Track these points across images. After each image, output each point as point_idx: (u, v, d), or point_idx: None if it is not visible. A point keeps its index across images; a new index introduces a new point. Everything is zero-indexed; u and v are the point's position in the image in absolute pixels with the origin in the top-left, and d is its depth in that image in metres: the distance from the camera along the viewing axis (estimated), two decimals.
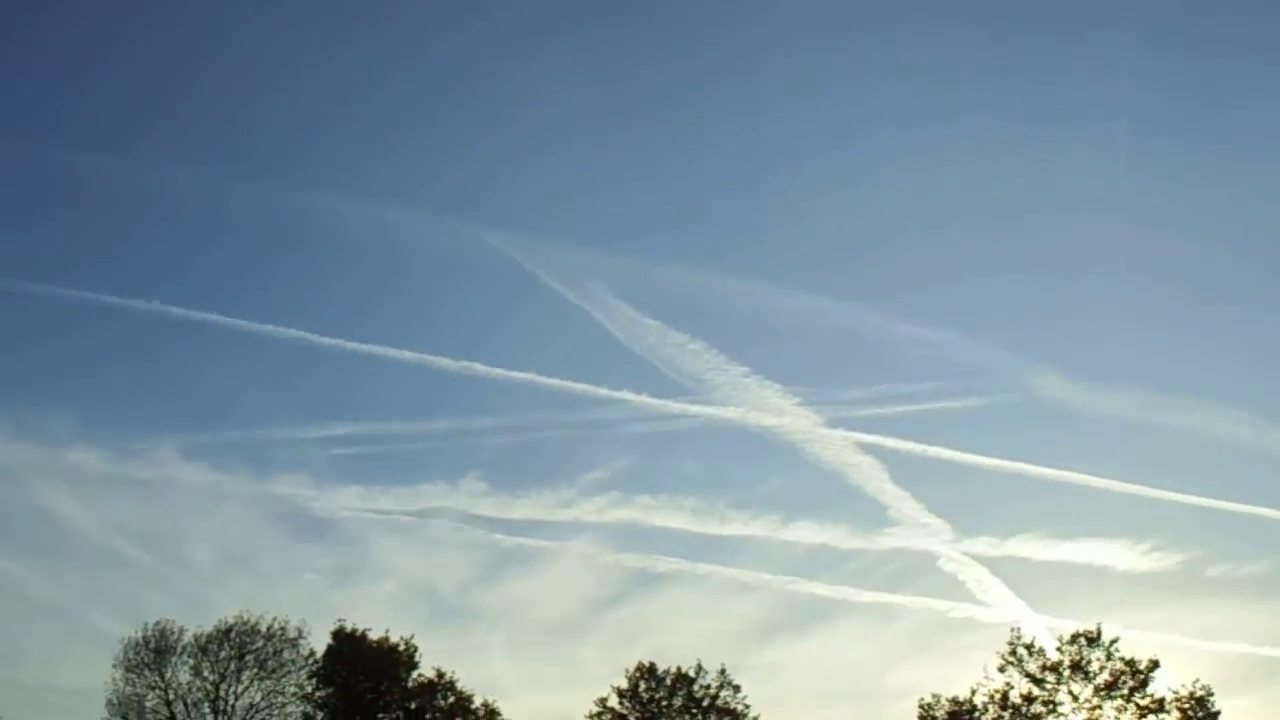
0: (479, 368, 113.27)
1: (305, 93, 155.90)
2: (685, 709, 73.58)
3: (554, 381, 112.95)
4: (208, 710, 74.45)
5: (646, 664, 74.48)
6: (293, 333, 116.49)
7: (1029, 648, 71.11)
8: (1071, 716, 70.04)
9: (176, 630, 75.93)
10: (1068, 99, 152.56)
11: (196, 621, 78.12)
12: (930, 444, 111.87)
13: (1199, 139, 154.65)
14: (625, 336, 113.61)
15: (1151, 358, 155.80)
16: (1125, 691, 69.92)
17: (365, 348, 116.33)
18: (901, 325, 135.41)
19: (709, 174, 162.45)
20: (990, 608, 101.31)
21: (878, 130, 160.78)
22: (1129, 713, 69.83)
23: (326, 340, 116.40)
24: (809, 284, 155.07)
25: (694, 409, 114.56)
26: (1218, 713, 69.89)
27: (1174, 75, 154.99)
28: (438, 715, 75.01)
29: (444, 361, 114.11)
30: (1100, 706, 69.95)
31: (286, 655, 75.65)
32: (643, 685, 73.93)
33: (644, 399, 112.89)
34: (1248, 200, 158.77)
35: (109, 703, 74.53)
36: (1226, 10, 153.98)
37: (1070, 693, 70.23)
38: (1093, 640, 70.79)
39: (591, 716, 73.89)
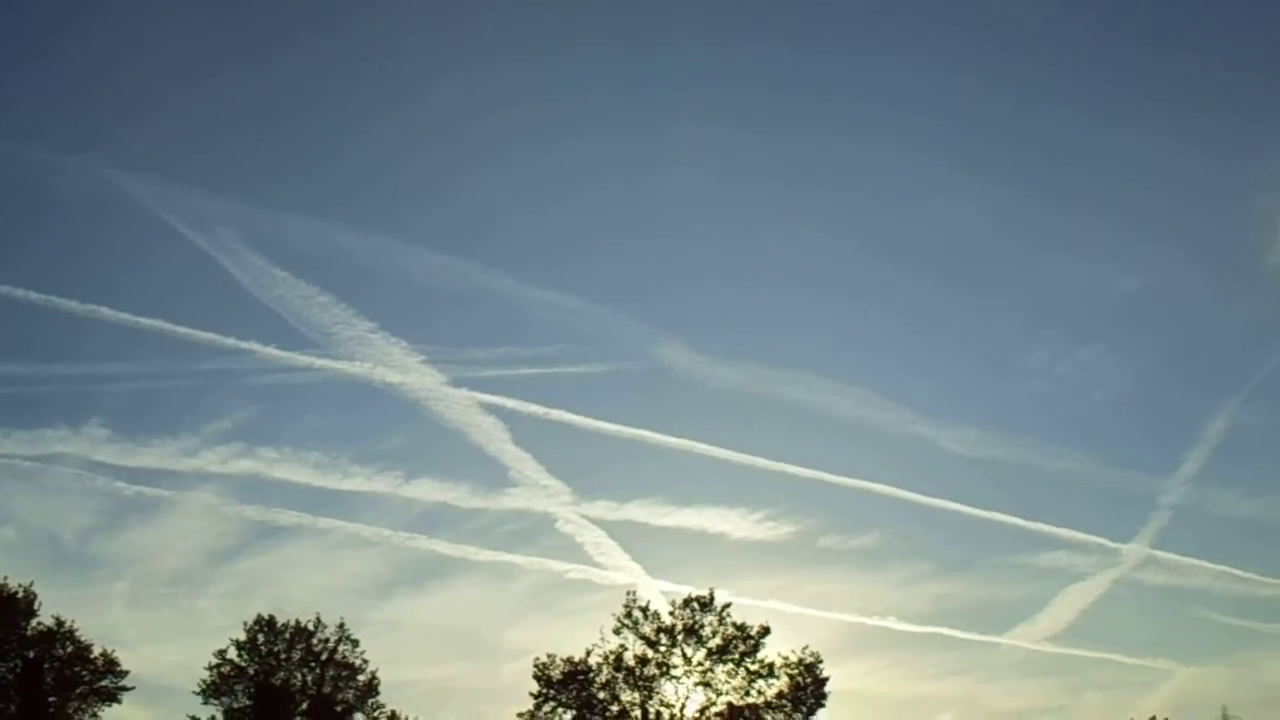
0: (105, 312, 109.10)
1: None
2: (304, 662, 72.21)
3: (181, 329, 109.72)
4: None
5: (266, 617, 72.74)
6: None
7: (644, 610, 70.91)
8: (684, 679, 70.06)
9: None
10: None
11: None
12: (553, 407, 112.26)
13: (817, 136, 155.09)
14: (254, 286, 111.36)
15: (774, 334, 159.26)
16: (736, 656, 70.23)
17: None
18: (530, 289, 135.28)
19: (350, 129, 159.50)
20: (607, 570, 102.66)
21: (508, 105, 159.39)
22: (740, 677, 70.19)
23: None
24: (442, 245, 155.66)
25: (320, 362, 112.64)
26: (826, 679, 70.60)
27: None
28: (56, 665, 72.54)
29: (69, 304, 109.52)
30: (712, 670, 70.21)
31: None
32: (261, 638, 72.15)
33: (270, 350, 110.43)
34: (868, 194, 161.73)
35: None
36: None
37: (684, 655, 70.27)
38: (705, 605, 70.64)
39: (210, 669, 72.05)
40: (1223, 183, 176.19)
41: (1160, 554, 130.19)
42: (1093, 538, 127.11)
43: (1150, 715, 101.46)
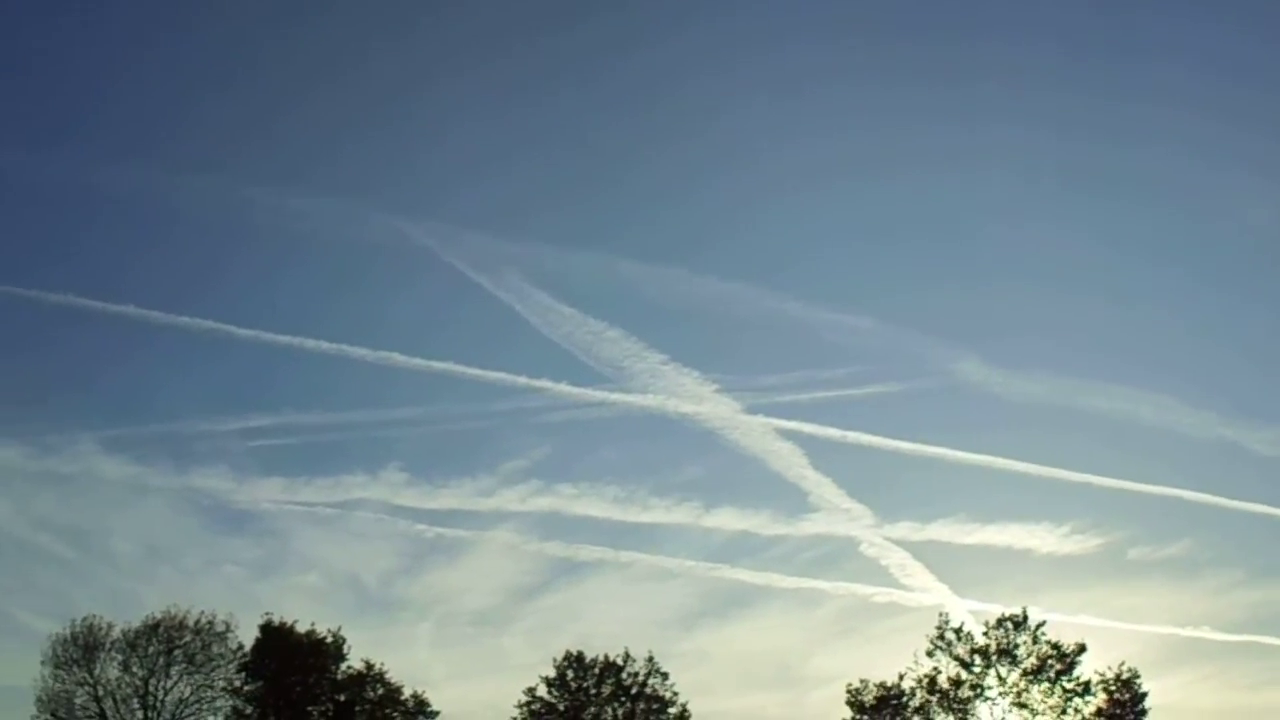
0: (398, 358, 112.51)
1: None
2: (614, 697, 73.17)
3: (473, 371, 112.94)
4: (137, 706, 73.86)
5: (574, 653, 73.94)
6: (208, 324, 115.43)
7: (957, 632, 70.84)
8: (999, 700, 69.89)
9: (104, 626, 75.02)
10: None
11: (124, 617, 78.09)
12: (849, 429, 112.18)
13: (1110, 142, 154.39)
14: (542, 324, 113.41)
15: (1070, 343, 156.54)
16: (1052, 675, 69.74)
17: (282, 338, 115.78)
18: (819, 311, 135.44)
19: (621, 160, 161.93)
20: (913, 592, 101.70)
21: (803, 132, 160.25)
22: (1056, 695, 69.70)
23: (243, 331, 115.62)
24: (726, 271, 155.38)
25: (613, 397, 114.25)
26: (1144, 694, 69.85)
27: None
28: (367, 707, 74.62)
29: (361, 351, 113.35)
30: (1028, 690, 69.78)
31: (215, 649, 74.96)
32: (570, 674, 73.42)
33: (562, 387, 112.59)
34: (1157, 199, 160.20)
35: (38, 700, 73.70)
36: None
37: (998, 676, 70.04)
38: (1019, 624, 70.49)
39: (521, 706, 73.49)
40: None
41: None
42: None
43: None
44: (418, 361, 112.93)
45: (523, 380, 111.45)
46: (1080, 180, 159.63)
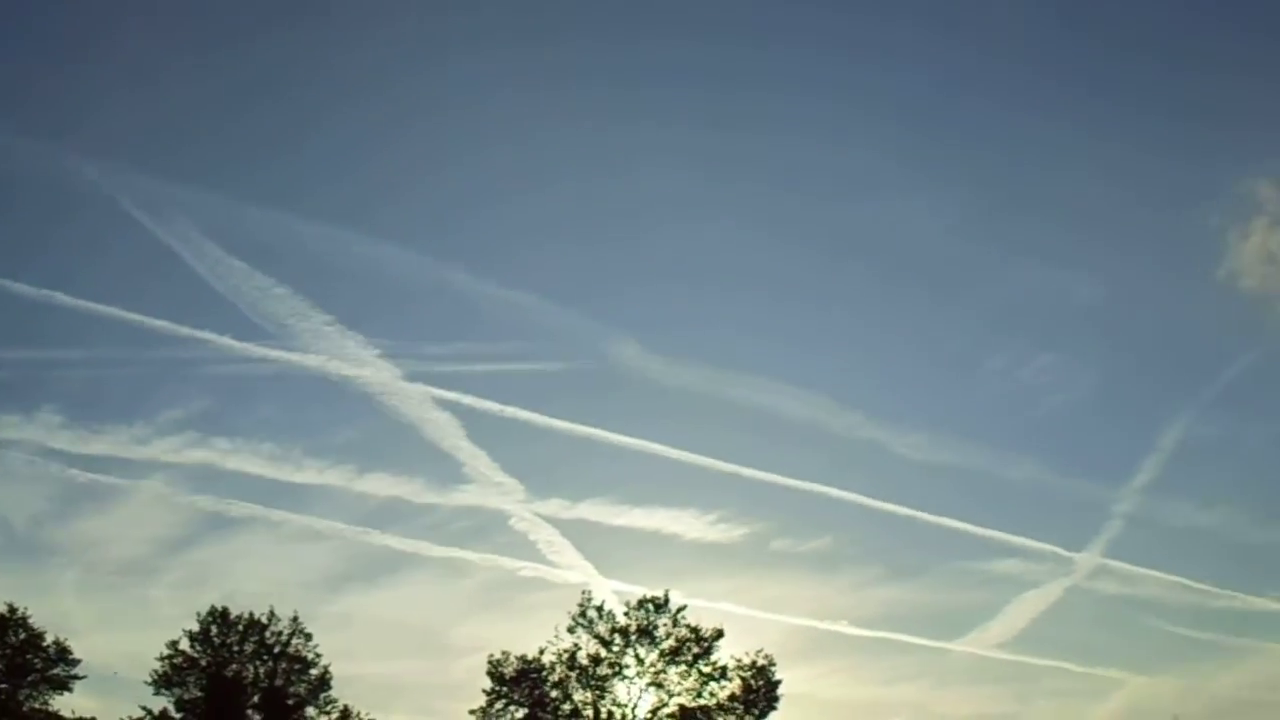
0: (61, 298, 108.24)
1: None
2: (257, 654, 71.97)
3: (136, 317, 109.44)
4: None
5: (219, 608, 72.45)
6: None
7: (599, 610, 70.85)
8: (637, 680, 70.13)
9: None
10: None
11: None
12: (507, 404, 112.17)
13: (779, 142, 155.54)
14: (210, 275, 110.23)
15: (729, 336, 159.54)
16: (689, 658, 70.25)
17: None
18: (487, 285, 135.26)
19: (315, 120, 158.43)
20: (559, 569, 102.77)
21: (485, 98, 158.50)
22: (692, 678, 70.16)
23: None
24: (401, 238, 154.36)
25: (275, 354, 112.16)
26: (778, 682, 70.72)
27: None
28: (7, 652, 72.21)
29: (24, 289, 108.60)
30: (665, 671, 70.20)
31: None
32: (215, 629, 71.81)
33: (226, 340, 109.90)
34: (839, 199, 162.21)
35: None
36: None
37: (637, 656, 70.24)
38: (660, 606, 70.72)
39: (163, 659, 71.65)
40: (1184, 193, 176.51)
41: (1113, 563, 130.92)
42: (1046, 546, 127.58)
43: None
44: (80, 303, 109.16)
45: (186, 330, 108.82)
46: (752, 176, 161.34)
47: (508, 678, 70.02)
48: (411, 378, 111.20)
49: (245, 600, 74.10)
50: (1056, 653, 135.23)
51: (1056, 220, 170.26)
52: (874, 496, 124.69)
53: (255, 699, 71.96)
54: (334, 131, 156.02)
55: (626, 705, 69.94)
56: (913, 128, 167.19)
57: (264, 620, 72.07)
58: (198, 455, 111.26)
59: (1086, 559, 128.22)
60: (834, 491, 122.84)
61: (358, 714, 72.12)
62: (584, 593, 71.31)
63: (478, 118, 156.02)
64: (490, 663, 70.48)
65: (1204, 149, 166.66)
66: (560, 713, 69.79)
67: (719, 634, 70.52)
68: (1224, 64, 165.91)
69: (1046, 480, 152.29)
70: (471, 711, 69.77)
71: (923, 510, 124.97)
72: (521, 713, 69.59)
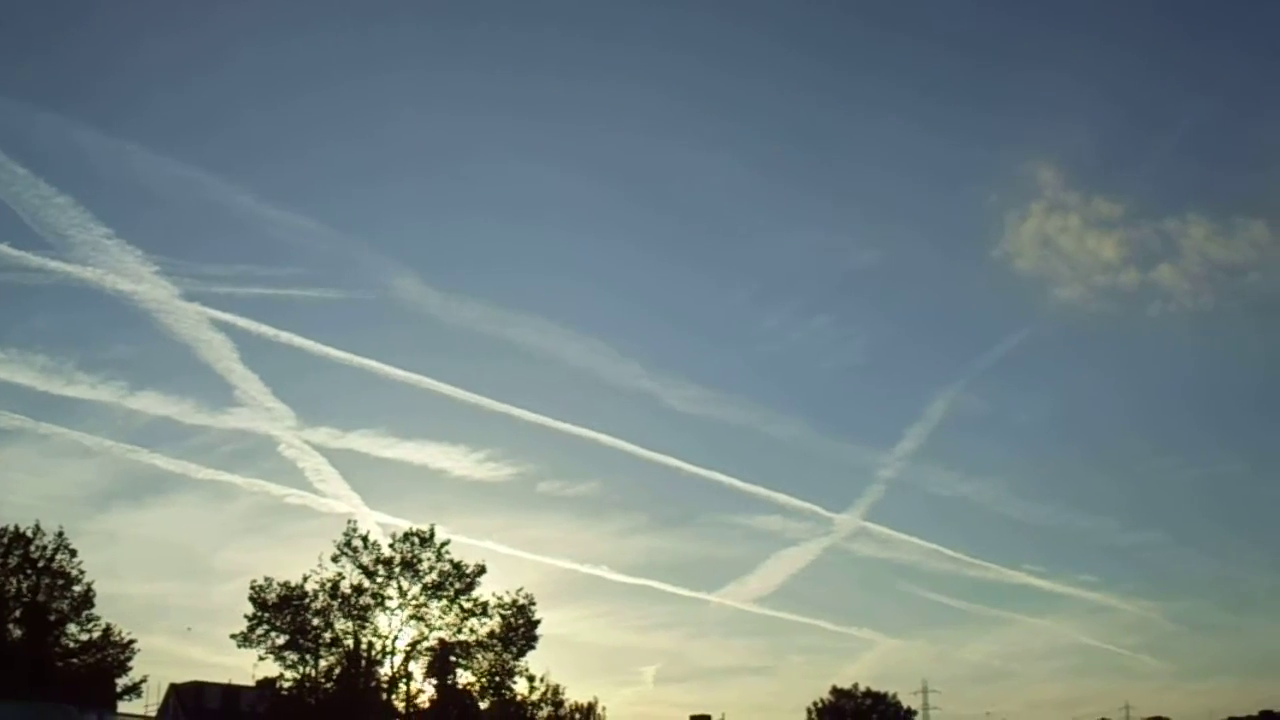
0: None
1: None
2: (20, 569, 71.21)
3: None
4: None
5: None
6: None
7: (364, 540, 71.73)
8: (399, 612, 71.12)
9: None
10: None
11: None
12: (283, 329, 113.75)
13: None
14: None
15: (511, 276, 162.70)
16: (451, 593, 71.37)
17: None
18: (271, 208, 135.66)
19: (98, 31, 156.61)
20: (326, 498, 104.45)
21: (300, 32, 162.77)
22: (453, 613, 71.44)
23: None
24: (185, 156, 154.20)
25: (52, 264, 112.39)
26: (538, 621, 72.26)
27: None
28: None
29: None
30: (426, 605, 71.48)
31: None
32: None
33: (3, 248, 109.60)
34: (624, 149, 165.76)
35: None
36: None
37: (399, 588, 71.18)
38: (424, 540, 71.90)
39: None
40: (964, 173, 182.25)
41: (872, 526, 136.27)
42: (808, 505, 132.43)
43: (852, 683, 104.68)
44: None
45: None
46: (541, 115, 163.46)
47: (270, 604, 70.55)
48: (189, 297, 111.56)
49: (10, 513, 73.91)
50: (812, 610, 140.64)
51: (836, 190, 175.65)
52: (644, 445, 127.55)
53: (16, 614, 71.36)
54: (143, 49, 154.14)
55: (387, 636, 71.29)
56: (697, 105, 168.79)
57: (29, 534, 71.38)
58: None
59: (847, 520, 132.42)
60: (604, 438, 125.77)
61: (119, 632, 71.86)
62: (350, 522, 72.44)
63: (284, 56, 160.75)
64: (253, 588, 70.98)
65: (986, 133, 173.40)
66: (322, 641, 70.61)
67: (481, 570, 72.08)
68: (1009, 53, 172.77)
69: (813, 441, 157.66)
70: (232, 636, 70.18)
71: (690, 462, 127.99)
72: (282, 639, 70.17)
